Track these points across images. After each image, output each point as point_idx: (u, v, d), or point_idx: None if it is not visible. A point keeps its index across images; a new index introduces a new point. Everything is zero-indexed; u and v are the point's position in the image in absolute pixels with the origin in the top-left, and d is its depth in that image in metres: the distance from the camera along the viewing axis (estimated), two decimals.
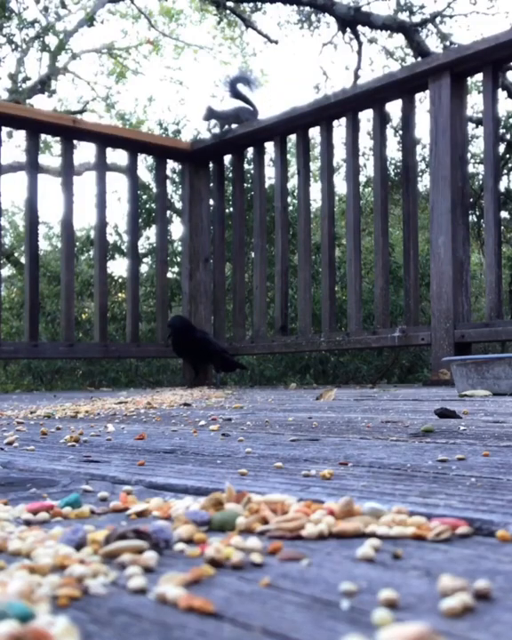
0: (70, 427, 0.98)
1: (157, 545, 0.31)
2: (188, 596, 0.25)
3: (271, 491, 0.44)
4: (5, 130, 4.73)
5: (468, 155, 3.06)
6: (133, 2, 8.48)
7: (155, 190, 3.85)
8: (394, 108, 9.79)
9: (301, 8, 6.76)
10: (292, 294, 4.21)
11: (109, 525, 0.35)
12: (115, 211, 12.43)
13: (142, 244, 5.50)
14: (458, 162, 2.57)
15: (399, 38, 6.79)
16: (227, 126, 3.31)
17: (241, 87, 3.37)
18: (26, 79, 7.55)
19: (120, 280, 5.46)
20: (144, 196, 5.20)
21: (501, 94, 5.45)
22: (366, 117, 3.18)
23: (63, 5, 6.79)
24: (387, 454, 0.61)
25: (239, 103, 3.34)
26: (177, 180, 5.15)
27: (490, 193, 2.48)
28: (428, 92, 2.64)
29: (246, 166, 4.07)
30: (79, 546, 0.31)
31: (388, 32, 6.56)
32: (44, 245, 7.91)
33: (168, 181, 4.26)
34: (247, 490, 0.45)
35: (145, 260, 5.77)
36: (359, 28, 6.41)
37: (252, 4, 6.89)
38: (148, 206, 5.18)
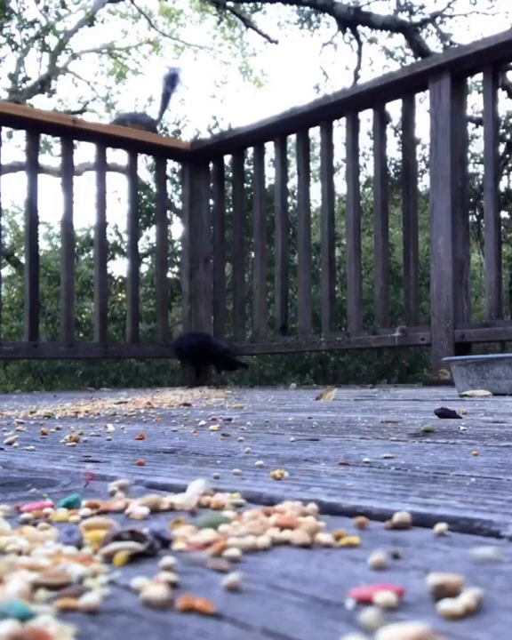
0: (70, 427, 0.98)
1: (152, 546, 0.31)
2: (189, 596, 0.25)
3: (271, 491, 0.44)
4: (5, 130, 4.73)
5: (468, 155, 3.06)
6: (133, 2, 8.48)
7: (155, 190, 3.85)
8: (394, 108, 9.79)
9: (301, 8, 6.76)
10: (292, 294, 4.21)
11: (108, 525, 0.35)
12: (115, 211, 12.43)
13: (142, 244, 5.50)
14: (458, 162, 2.57)
15: (399, 38, 6.79)
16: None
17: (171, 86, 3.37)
18: (26, 79, 7.55)
19: (120, 280, 5.47)
20: (144, 196, 5.21)
21: (501, 94, 5.44)
22: (366, 117, 3.17)
23: (63, 5, 6.79)
24: (387, 454, 0.61)
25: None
26: (177, 179, 5.15)
27: (490, 193, 2.48)
28: (427, 92, 2.64)
29: (246, 166, 4.07)
30: (76, 546, 0.31)
31: (388, 32, 6.56)
32: (44, 245, 7.91)
33: (168, 181, 4.26)
34: (246, 490, 0.45)
35: (145, 259, 5.78)
36: (359, 27, 6.41)
37: (251, 4, 6.89)
38: (147, 206, 5.18)
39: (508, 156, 5.99)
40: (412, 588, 0.26)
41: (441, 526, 0.34)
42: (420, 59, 5.66)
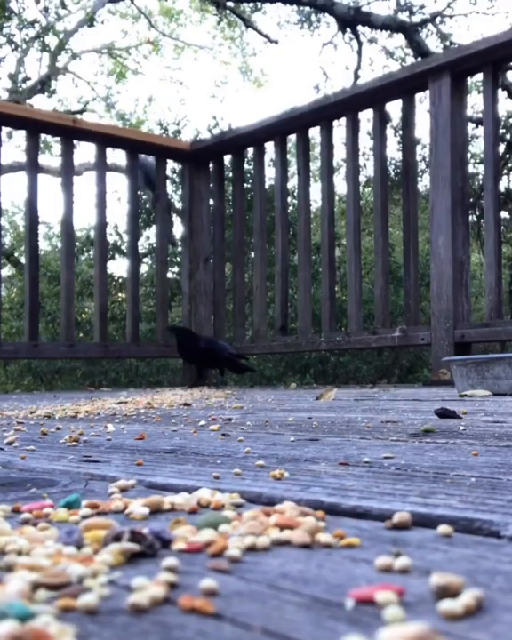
0: (70, 427, 0.98)
1: (152, 546, 0.31)
2: (189, 597, 0.25)
3: (271, 491, 0.44)
4: (5, 130, 4.73)
5: (468, 155, 3.06)
6: (133, 2, 8.48)
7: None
8: (394, 108, 9.79)
9: (301, 8, 6.76)
10: (292, 294, 4.21)
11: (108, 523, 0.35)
12: (115, 211, 12.43)
13: (142, 244, 5.50)
14: (458, 162, 2.57)
15: (399, 38, 6.79)
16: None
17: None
18: (26, 79, 7.55)
19: (120, 280, 5.47)
20: (144, 196, 5.21)
21: (501, 94, 5.45)
22: (366, 117, 3.17)
23: (63, 5, 6.79)
24: (387, 454, 0.61)
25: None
26: (177, 180, 5.15)
27: (490, 193, 2.48)
28: (427, 92, 2.64)
29: (246, 166, 4.07)
30: (76, 546, 0.31)
31: (388, 32, 6.56)
32: (44, 245, 7.91)
33: (168, 181, 4.26)
34: (246, 490, 0.45)
35: (145, 260, 5.78)
36: (359, 27, 6.41)
37: (251, 4, 6.89)
38: (148, 206, 5.18)
39: (508, 155, 5.99)
40: (412, 588, 0.26)
41: (445, 528, 0.34)
42: (419, 59, 5.66)
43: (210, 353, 2.78)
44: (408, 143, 2.87)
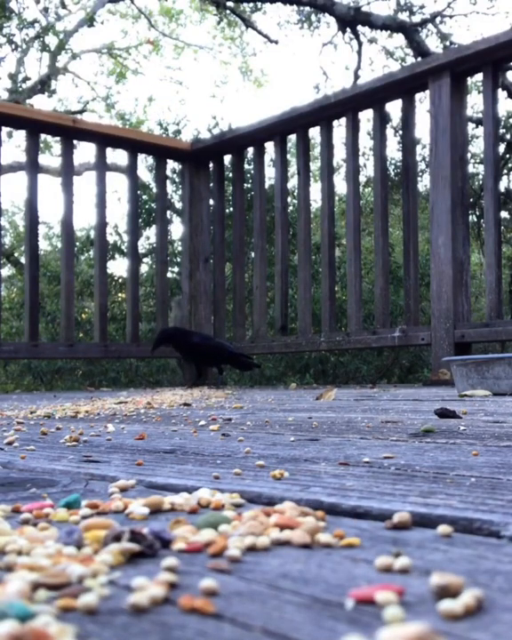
0: (70, 427, 0.98)
1: (152, 546, 0.31)
2: (189, 596, 0.25)
3: (271, 491, 0.44)
4: (5, 130, 4.73)
5: (468, 155, 3.05)
6: (133, 2, 8.47)
7: (155, 190, 3.85)
8: (394, 108, 9.80)
9: (301, 8, 6.76)
10: (292, 294, 4.21)
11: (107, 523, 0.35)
12: (115, 211, 12.44)
13: (142, 244, 5.50)
14: (458, 162, 2.57)
15: (399, 38, 6.79)
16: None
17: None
18: (26, 79, 7.54)
19: (120, 280, 5.47)
20: (144, 196, 5.21)
21: (501, 94, 5.45)
22: (366, 117, 3.18)
23: (63, 5, 6.79)
24: (387, 454, 0.61)
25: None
26: (177, 180, 5.15)
27: (490, 193, 2.48)
28: (427, 92, 2.64)
29: (246, 166, 4.07)
30: (76, 546, 0.31)
31: (388, 32, 6.56)
32: (44, 245, 7.92)
33: (168, 181, 4.26)
34: (246, 490, 0.45)
35: (145, 260, 5.78)
36: (359, 27, 6.41)
37: (251, 4, 6.88)
38: (147, 206, 5.18)
39: (508, 155, 5.99)
40: (412, 588, 0.26)
41: (445, 528, 0.34)
42: (419, 59, 5.66)
43: (206, 349, 2.76)
44: (408, 143, 2.87)
